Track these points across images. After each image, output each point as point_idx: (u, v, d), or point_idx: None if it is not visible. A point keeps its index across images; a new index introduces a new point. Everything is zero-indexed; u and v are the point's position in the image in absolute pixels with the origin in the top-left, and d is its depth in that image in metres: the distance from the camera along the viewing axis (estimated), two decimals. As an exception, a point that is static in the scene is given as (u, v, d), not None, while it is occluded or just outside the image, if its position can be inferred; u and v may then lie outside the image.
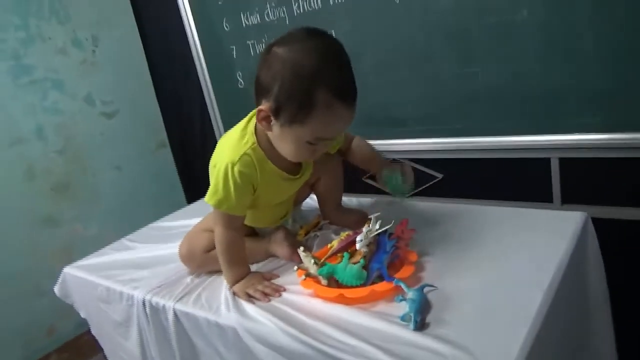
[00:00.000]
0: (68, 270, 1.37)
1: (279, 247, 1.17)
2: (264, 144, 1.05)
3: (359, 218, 1.24)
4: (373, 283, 0.97)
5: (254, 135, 1.05)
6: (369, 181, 1.90)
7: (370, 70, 1.73)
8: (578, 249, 1.02)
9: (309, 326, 0.91)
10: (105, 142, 2.39)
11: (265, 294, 1.03)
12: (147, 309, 1.14)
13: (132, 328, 1.20)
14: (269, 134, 1.02)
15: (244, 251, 1.11)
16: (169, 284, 1.17)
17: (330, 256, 1.03)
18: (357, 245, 0.98)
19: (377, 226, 1.01)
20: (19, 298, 2.09)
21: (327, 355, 0.84)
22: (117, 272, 1.29)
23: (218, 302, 1.05)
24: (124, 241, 1.50)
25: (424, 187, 1.84)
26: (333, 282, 0.99)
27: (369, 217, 1.04)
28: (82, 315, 1.37)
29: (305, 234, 1.23)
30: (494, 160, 1.66)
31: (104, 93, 2.38)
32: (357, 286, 0.96)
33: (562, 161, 1.54)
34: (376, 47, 1.70)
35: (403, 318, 0.86)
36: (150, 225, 1.63)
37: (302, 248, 1.04)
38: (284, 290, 1.04)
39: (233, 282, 1.08)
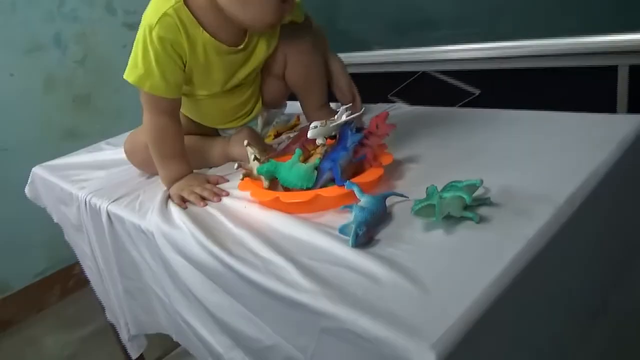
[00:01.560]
0: (36, 170, 1.23)
1: (239, 148, 0.93)
2: (195, 4, 0.80)
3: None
4: (324, 187, 0.71)
5: None
6: (396, 99, 1.60)
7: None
8: (626, 160, 0.69)
9: (230, 236, 0.68)
10: (128, 56, 2.23)
11: (203, 198, 0.81)
12: (88, 210, 0.97)
13: (82, 230, 1.04)
14: None
15: (181, 144, 0.89)
16: (115, 185, 0.99)
17: (282, 154, 0.78)
18: (309, 133, 0.72)
19: (344, 117, 0.74)
20: (42, 211, 2.05)
21: (234, 271, 0.61)
22: (75, 172, 1.13)
23: (152, 205, 0.84)
24: (101, 144, 1.33)
25: (457, 105, 1.51)
26: (277, 184, 0.75)
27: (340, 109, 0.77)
28: (55, 219, 1.24)
29: (276, 136, 0.98)
30: (544, 70, 1.31)
31: (126, 2, 2.19)
32: (303, 190, 0.71)
33: (634, 70, 1.16)
34: None
35: (342, 230, 0.60)
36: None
37: (246, 141, 0.79)
38: (226, 194, 0.82)
39: (169, 182, 0.87)
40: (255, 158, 0.76)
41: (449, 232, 0.58)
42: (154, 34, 0.79)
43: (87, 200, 0.97)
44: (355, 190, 0.65)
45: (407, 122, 0.97)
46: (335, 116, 0.75)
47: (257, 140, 0.95)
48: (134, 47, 0.83)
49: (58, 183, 1.10)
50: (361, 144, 0.73)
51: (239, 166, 0.79)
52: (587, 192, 0.62)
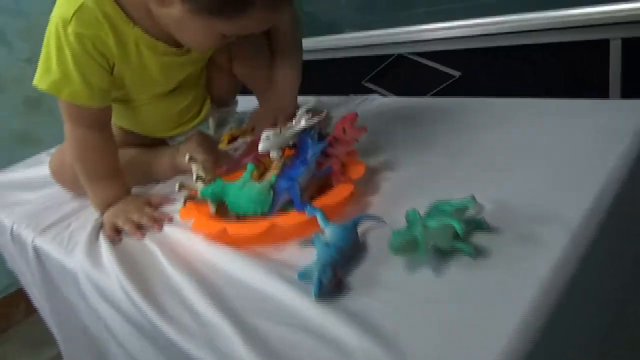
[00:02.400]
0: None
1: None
2: None
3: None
4: (282, 212, 0.57)
5: None
6: (372, 85, 1.46)
7: None
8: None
9: (166, 284, 0.54)
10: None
11: (138, 227, 0.66)
12: (16, 242, 0.82)
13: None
14: (156, 9, 0.63)
15: (113, 161, 0.74)
16: (45, 210, 0.83)
17: (232, 169, 0.64)
18: (260, 146, 0.58)
19: (303, 122, 0.60)
20: None
21: (164, 335, 0.47)
22: (7, 192, 0.97)
23: (81, 238, 0.69)
24: (43, 155, 1.17)
25: (436, 90, 1.38)
26: (226, 212, 0.60)
27: (300, 109, 0.63)
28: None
29: (231, 141, 0.83)
30: (529, 47, 1.18)
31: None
32: (257, 216, 0.57)
33: (626, 42, 1.04)
34: None
35: (302, 276, 0.46)
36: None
37: (187, 156, 0.64)
38: (169, 220, 0.67)
39: (101, 207, 0.72)
40: (199, 177, 0.61)
41: (439, 273, 0.44)
42: (70, 30, 0.63)
43: (13, 229, 0.81)
44: (319, 218, 0.51)
45: (381, 117, 0.83)
46: (293, 121, 0.61)
47: (209, 147, 0.79)
48: (44, 47, 0.66)
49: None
50: (325, 154, 0.59)
51: (182, 187, 0.64)
52: (607, 205, 0.49)
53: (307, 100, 0.99)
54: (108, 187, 0.72)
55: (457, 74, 1.33)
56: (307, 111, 0.61)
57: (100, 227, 0.70)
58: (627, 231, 0.59)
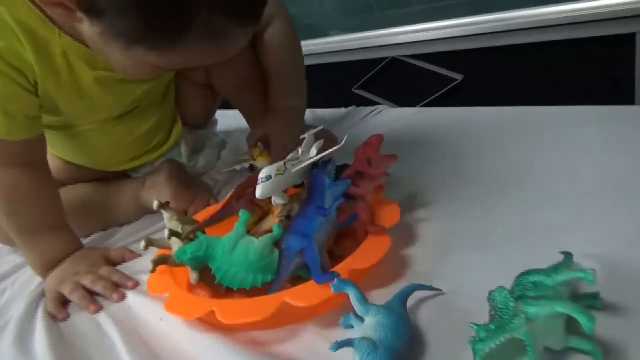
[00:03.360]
0: None
1: (159, 191, 0.61)
2: None
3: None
4: (296, 280, 0.40)
5: None
6: (363, 92, 1.31)
7: None
8: None
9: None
10: None
11: (90, 296, 0.48)
12: None
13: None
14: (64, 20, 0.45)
15: (53, 206, 0.56)
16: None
17: (217, 217, 0.47)
18: (258, 191, 0.41)
19: (314, 151, 0.43)
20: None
21: None
22: None
23: (13, 314, 0.51)
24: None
25: (436, 95, 1.24)
26: (212, 277, 0.43)
27: (304, 134, 0.46)
28: None
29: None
30: (539, 45, 1.05)
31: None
32: (258, 288, 0.40)
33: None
34: None
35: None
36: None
37: (156, 203, 0.47)
38: (133, 286, 0.49)
39: (41, 270, 0.54)
40: (173, 233, 0.44)
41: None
42: None
43: None
44: (353, 298, 0.35)
45: (397, 134, 0.67)
46: (299, 149, 0.44)
47: (183, 182, 0.62)
48: None
49: None
50: (347, 195, 0.43)
51: (149, 244, 0.46)
52: None
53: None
54: (50, 242, 0.54)
55: (459, 76, 1.19)
56: (315, 134, 0.45)
57: (40, 296, 0.51)
58: None
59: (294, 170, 0.42)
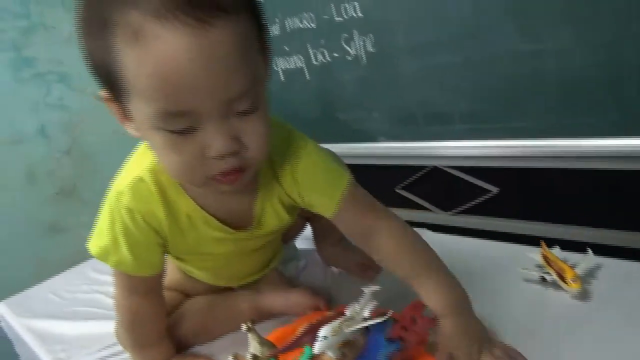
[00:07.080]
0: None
1: (273, 297, 0.74)
2: None
3: (363, 260, 0.78)
4: None
5: None
6: (405, 193, 1.44)
7: (404, 53, 1.27)
8: None
9: None
10: (117, 142, 2.05)
11: None
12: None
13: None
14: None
15: (161, 325, 0.69)
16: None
17: (291, 347, 0.58)
18: (316, 348, 0.52)
19: (367, 312, 0.55)
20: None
21: None
22: (47, 324, 0.90)
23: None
24: (88, 268, 1.10)
25: (472, 203, 1.35)
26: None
27: (364, 290, 0.58)
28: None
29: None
30: (568, 172, 1.15)
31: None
32: None
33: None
34: (411, 22, 1.23)
35: None
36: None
37: (244, 326, 0.58)
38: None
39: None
40: (255, 357, 0.55)
41: None
42: (123, 203, 0.60)
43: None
44: None
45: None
46: (353, 308, 0.55)
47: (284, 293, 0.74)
48: (101, 212, 0.63)
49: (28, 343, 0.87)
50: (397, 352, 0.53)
51: (235, 359, 0.57)
52: None
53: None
54: (156, 354, 0.68)
55: (495, 189, 1.30)
56: (372, 294, 0.56)
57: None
58: None
59: (347, 330, 0.53)
